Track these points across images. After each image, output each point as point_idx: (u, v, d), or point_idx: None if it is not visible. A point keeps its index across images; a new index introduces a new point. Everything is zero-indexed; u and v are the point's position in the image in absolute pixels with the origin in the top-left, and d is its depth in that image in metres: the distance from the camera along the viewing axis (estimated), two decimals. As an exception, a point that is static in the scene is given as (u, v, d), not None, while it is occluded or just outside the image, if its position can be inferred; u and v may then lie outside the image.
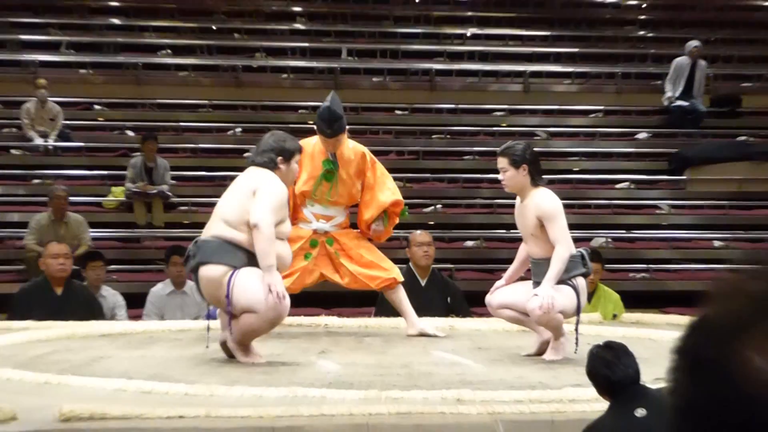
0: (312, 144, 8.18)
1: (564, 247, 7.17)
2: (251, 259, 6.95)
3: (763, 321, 1.05)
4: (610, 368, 4.66)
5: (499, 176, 7.37)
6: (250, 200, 7.02)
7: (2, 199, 13.80)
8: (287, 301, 6.85)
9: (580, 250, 7.39)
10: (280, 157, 7.15)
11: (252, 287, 6.88)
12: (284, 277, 8.03)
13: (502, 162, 7.32)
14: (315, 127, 8.17)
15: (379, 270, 8.14)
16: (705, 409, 1.05)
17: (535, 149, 7.56)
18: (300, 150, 7.27)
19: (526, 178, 7.26)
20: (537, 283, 7.28)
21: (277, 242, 6.94)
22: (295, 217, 8.15)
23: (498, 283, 7.60)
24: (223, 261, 6.95)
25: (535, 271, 7.35)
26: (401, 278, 8.21)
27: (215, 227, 7.09)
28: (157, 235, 13.30)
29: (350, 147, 8.22)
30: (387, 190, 8.25)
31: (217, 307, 7.22)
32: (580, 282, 7.33)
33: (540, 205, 7.21)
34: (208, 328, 7.34)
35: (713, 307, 1.09)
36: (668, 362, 1.14)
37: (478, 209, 14.37)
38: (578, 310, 7.30)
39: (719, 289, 1.09)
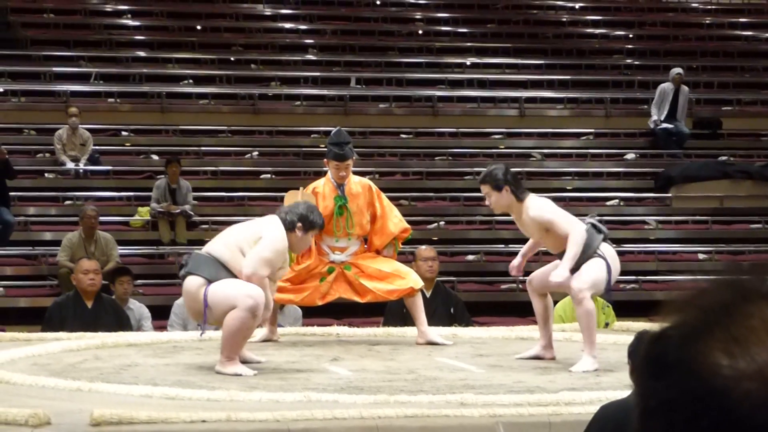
0: (322, 184, 8.18)
1: (575, 231, 7.09)
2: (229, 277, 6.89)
3: (720, 326, 1.04)
4: None
5: (486, 202, 7.32)
6: (253, 241, 6.93)
7: (36, 219, 13.79)
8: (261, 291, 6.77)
9: (589, 220, 7.32)
10: (300, 224, 7.09)
11: (227, 290, 6.81)
12: (294, 292, 8.03)
13: (485, 189, 7.28)
14: (327, 155, 8.13)
15: (396, 281, 8.06)
16: (677, 406, 1.04)
17: (511, 169, 7.47)
18: (322, 227, 7.27)
19: (511, 197, 7.21)
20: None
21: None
22: (309, 254, 8.13)
23: (514, 263, 7.49)
24: (204, 274, 6.87)
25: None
26: (419, 285, 8.12)
27: (214, 246, 7.05)
28: (180, 252, 13.25)
29: (356, 181, 8.22)
30: (395, 218, 8.25)
31: (196, 320, 7.15)
32: (606, 249, 7.23)
33: (535, 218, 7.17)
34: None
35: (674, 317, 1.08)
36: (635, 373, 1.13)
37: (477, 226, 14.35)
38: (609, 278, 7.17)
39: (678, 302, 1.09)
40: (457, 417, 5.53)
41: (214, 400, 5.85)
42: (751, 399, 1.02)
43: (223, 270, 6.90)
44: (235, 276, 6.89)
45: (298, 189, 8.26)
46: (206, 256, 7.01)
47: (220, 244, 7.06)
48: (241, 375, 6.79)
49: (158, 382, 6.39)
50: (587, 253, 7.11)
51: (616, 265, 7.26)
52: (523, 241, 7.74)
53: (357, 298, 8.13)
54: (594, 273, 7.10)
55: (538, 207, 7.18)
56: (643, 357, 1.08)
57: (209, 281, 6.85)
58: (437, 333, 8.27)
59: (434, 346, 7.99)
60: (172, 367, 7.13)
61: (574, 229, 7.10)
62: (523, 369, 7.12)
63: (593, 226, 7.23)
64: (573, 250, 7.07)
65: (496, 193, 7.19)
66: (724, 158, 16.38)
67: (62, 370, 6.87)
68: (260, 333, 8.07)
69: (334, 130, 8.30)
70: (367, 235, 8.24)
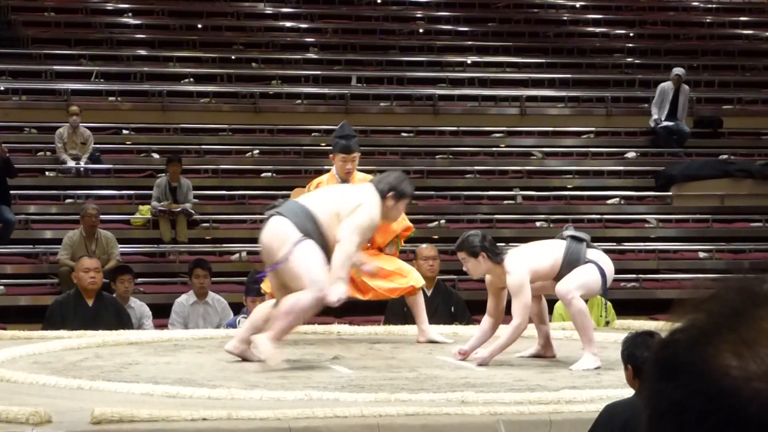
0: (326, 180, 8.15)
1: (519, 319, 7.02)
2: (320, 240, 6.87)
3: (729, 329, 1.05)
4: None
5: (463, 268, 7.27)
6: (351, 207, 6.93)
7: (37, 217, 13.78)
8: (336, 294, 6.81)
9: (566, 234, 7.27)
10: (392, 193, 7.10)
11: (311, 265, 6.81)
12: None
13: (461, 255, 7.21)
14: (333, 148, 8.11)
15: (398, 279, 8.02)
16: (686, 407, 1.05)
17: (485, 235, 7.35)
18: (412, 197, 7.29)
19: (488, 262, 7.16)
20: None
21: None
22: None
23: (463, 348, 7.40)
24: (293, 219, 6.86)
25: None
26: (420, 284, 8.10)
27: (310, 200, 7.05)
28: (181, 250, 13.27)
29: (360, 178, 8.18)
30: None
31: (266, 261, 7.08)
32: (595, 254, 7.18)
33: (508, 283, 7.10)
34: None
35: (683, 320, 1.09)
36: (644, 376, 1.14)
37: (478, 224, 14.32)
38: (604, 280, 7.13)
39: (686, 305, 1.10)
40: (458, 415, 5.53)
41: (215, 399, 5.85)
42: (760, 399, 1.03)
43: (312, 224, 6.92)
44: (321, 233, 6.89)
45: (304, 188, 8.25)
46: (300, 205, 7.01)
47: (317, 201, 7.07)
48: (270, 362, 6.80)
49: (159, 380, 6.38)
50: (575, 265, 7.11)
51: (608, 266, 7.25)
52: (525, 240, 7.72)
53: (359, 296, 8.11)
54: (581, 276, 7.10)
55: (513, 271, 7.06)
56: (653, 360, 1.09)
57: (297, 227, 6.85)
58: (438, 331, 8.27)
59: (435, 345, 7.99)
60: (173, 365, 7.13)
61: (518, 317, 7.01)
62: (524, 367, 7.11)
63: (573, 238, 7.22)
64: (503, 341, 7.03)
65: (472, 259, 7.14)
66: (724, 157, 16.37)
67: (63, 369, 6.87)
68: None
69: (339, 124, 8.29)
70: None
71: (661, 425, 1.06)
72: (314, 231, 6.93)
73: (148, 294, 11.66)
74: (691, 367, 1.05)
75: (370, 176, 8.37)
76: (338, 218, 6.96)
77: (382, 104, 16.70)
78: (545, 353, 7.46)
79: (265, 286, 7.78)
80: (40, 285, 12.51)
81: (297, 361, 7.31)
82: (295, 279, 6.85)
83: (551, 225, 13.93)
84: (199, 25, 18.12)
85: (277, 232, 6.93)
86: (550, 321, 9.40)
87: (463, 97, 17.01)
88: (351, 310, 10.26)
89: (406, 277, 8.04)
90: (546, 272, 7.13)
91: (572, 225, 7.79)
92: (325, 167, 14.91)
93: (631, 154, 16.46)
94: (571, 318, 7.27)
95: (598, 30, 19.36)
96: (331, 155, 8.24)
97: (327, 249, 6.96)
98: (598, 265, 7.14)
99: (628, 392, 4.79)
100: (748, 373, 1.03)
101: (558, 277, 7.13)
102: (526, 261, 7.10)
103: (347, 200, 7.05)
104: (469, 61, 17.95)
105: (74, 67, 16.56)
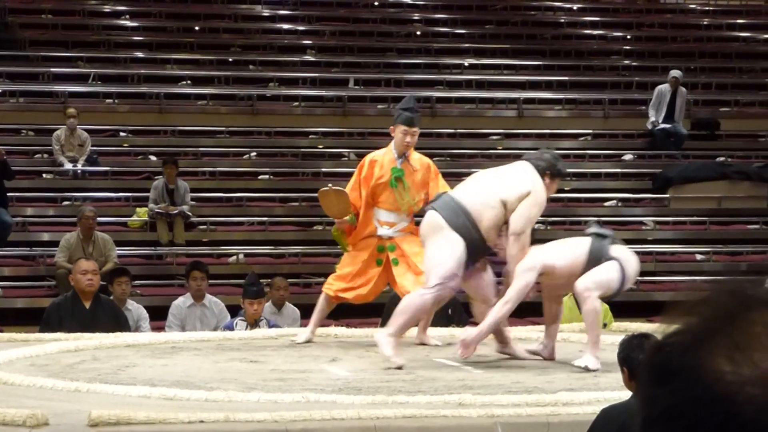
0: (381, 154, 8.09)
1: (510, 304, 7.09)
2: (471, 232, 6.92)
3: (723, 333, 1.04)
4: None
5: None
6: (519, 192, 6.98)
7: (34, 219, 13.77)
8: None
9: (590, 231, 7.27)
10: (549, 171, 7.12)
11: (443, 257, 6.98)
12: (360, 286, 7.95)
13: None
14: (396, 120, 8.00)
15: (420, 282, 7.95)
16: (680, 412, 1.04)
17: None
18: (566, 176, 7.33)
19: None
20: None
21: None
22: (365, 224, 8.00)
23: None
24: (443, 214, 7.03)
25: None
26: None
27: (464, 193, 7.14)
28: (178, 252, 13.26)
29: (416, 158, 8.11)
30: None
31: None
32: (619, 251, 7.16)
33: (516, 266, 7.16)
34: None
35: (677, 325, 1.08)
36: (638, 380, 1.13)
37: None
38: (623, 278, 7.11)
39: (679, 309, 1.10)
40: (456, 417, 5.53)
41: (212, 401, 5.84)
42: (754, 404, 1.02)
43: (463, 216, 6.98)
44: (473, 225, 7.00)
45: (327, 187, 8.22)
46: (453, 198, 7.13)
47: (474, 193, 7.14)
48: (391, 360, 6.91)
49: (156, 382, 6.38)
50: (599, 263, 7.08)
51: (631, 265, 7.18)
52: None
53: (392, 287, 8.08)
54: (601, 273, 7.07)
55: (526, 259, 7.12)
56: (646, 364, 1.09)
57: (446, 220, 7.02)
58: (434, 334, 8.24)
59: (432, 347, 7.97)
60: (170, 367, 7.13)
61: (510, 300, 7.04)
62: (522, 369, 7.11)
63: (596, 235, 7.20)
64: (491, 321, 7.07)
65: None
66: (721, 159, 16.38)
67: (60, 371, 6.86)
68: (304, 334, 8.08)
69: (405, 97, 8.33)
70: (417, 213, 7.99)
71: (654, 430, 1.06)
72: (464, 224, 7.00)
73: (146, 296, 11.65)
74: (684, 373, 1.04)
75: (428, 159, 8.26)
76: (504, 206, 6.99)
77: (379, 106, 16.69)
78: (543, 354, 7.45)
79: None
80: (37, 287, 12.50)
81: (294, 363, 7.31)
82: (426, 268, 7.09)
83: (549, 227, 13.93)
84: (197, 28, 18.11)
85: (428, 226, 7.13)
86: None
87: (460, 100, 17.02)
88: (348, 313, 10.25)
89: None
90: (565, 270, 7.08)
91: (596, 222, 7.76)
92: (322, 169, 14.98)
93: (628, 157, 16.46)
94: (583, 315, 7.23)
95: (595, 32, 19.37)
96: (392, 126, 8.14)
97: (478, 240, 7.01)
98: (620, 262, 7.11)
99: (626, 394, 4.79)
100: (741, 378, 1.02)
101: (582, 273, 7.11)
102: (541, 254, 7.11)
103: (512, 186, 7.07)
104: (466, 64, 17.95)
105: (71, 70, 16.55)
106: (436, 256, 7.05)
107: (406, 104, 8.15)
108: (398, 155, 7.97)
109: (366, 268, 7.95)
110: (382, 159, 8.02)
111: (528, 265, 6.99)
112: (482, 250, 7.16)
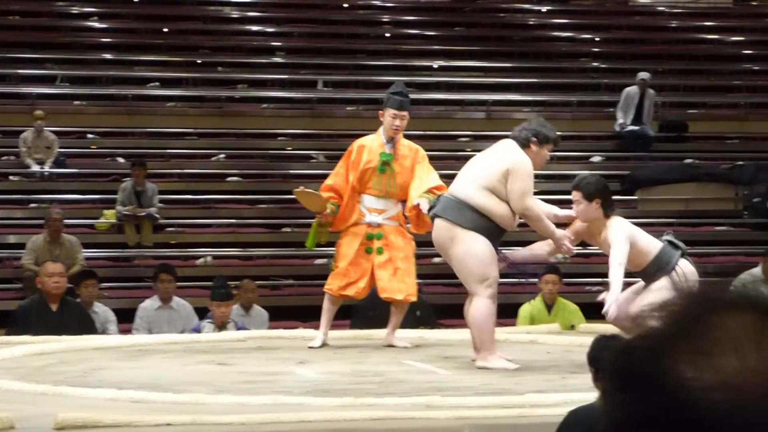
0: (370, 139, 8.10)
1: (618, 263, 6.97)
2: (483, 222, 6.92)
3: (685, 338, 1.04)
4: None
5: (573, 207, 7.23)
6: (498, 172, 6.99)
7: (1, 222, 13.70)
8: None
9: (665, 238, 7.30)
10: (534, 138, 7.11)
11: (474, 260, 6.97)
12: (358, 279, 7.89)
13: (576, 195, 7.13)
14: (385, 104, 8.04)
15: (398, 285, 7.88)
16: (644, 419, 1.03)
17: (606, 184, 7.35)
18: (557, 142, 7.28)
19: (598, 211, 7.11)
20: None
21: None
22: (350, 210, 7.94)
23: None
24: (450, 217, 7.04)
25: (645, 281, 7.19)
26: (413, 299, 8.05)
27: (458, 187, 7.14)
28: (146, 255, 13.22)
29: (405, 144, 8.14)
30: (433, 175, 8.01)
31: (444, 256, 7.27)
32: (684, 265, 7.14)
33: (609, 235, 7.07)
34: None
35: (638, 333, 1.08)
36: (603, 384, 1.13)
37: (445, 228, 14.33)
38: None
39: (643, 313, 1.09)
40: (424, 419, 5.53)
41: (180, 404, 5.82)
42: (717, 410, 1.01)
43: (470, 211, 6.95)
44: (482, 214, 6.99)
45: (300, 189, 8.23)
46: (453, 198, 7.11)
47: (468, 185, 7.11)
48: (508, 369, 6.95)
49: (124, 385, 6.35)
50: (666, 269, 7.11)
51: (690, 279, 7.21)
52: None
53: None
54: (658, 298, 7.06)
55: (617, 227, 7.07)
56: (609, 370, 1.08)
57: (456, 224, 7.00)
58: (403, 336, 8.24)
59: (401, 349, 7.97)
60: (138, 370, 7.10)
61: (617, 262, 6.99)
62: (490, 372, 7.12)
63: (670, 243, 7.26)
64: (615, 287, 6.99)
65: (585, 202, 7.09)
66: (689, 161, 16.45)
67: (27, 374, 6.83)
68: (318, 339, 8.02)
69: (394, 82, 8.33)
70: (405, 198, 7.92)
71: None
72: (471, 217, 6.98)
73: (113, 299, 11.60)
74: (647, 379, 1.04)
75: (417, 145, 8.26)
76: (494, 192, 6.98)
77: (348, 108, 16.69)
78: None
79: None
80: (3, 290, 12.43)
81: (263, 365, 7.29)
82: (463, 279, 7.07)
83: (517, 229, 13.92)
84: (165, 29, 18.05)
85: (441, 237, 7.12)
86: (516, 324, 9.45)
87: (430, 101, 17.03)
88: (316, 315, 10.23)
89: (402, 291, 7.88)
90: (638, 251, 7.06)
91: (672, 231, 7.78)
92: (291, 171, 14.95)
93: (596, 158, 16.51)
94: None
95: (564, 35, 19.42)
96: (380, 111, 8.15)
97: (492, 226, 7.04)
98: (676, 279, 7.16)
99: (594, 396, 4.79)
100: (704, 384, 1.02)
101: (642, 269, 7.11)
102: (630, 228, 7.08)
103: (495, 170, 7.06)
104: (435, 66, 17.96)
105: (39, 71, 16.47)
106: (467, 265, 7.03)
107: (395, 88, 8.20)
108: (387, 140, 7.99)
109: (358, 258, 7.90)
110: (371, 144, 8.04)
111: (621, 235, 6.98)
112: (500, 231, 7.17)
